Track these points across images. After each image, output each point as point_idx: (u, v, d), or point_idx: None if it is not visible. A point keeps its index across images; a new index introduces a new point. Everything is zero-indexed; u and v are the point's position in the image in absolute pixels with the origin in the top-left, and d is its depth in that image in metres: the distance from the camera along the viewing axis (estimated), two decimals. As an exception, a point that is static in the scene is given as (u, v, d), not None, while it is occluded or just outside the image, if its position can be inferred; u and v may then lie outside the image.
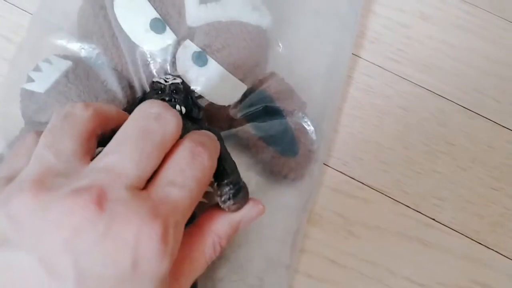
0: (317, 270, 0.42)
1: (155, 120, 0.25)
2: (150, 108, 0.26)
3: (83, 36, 0.41)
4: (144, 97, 0.38)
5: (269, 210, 0.41)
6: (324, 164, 0.44)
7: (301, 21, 0.47)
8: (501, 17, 0.51)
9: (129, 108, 0.39)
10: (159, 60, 0.39)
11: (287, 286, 0.41)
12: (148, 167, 0.24)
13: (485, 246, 0.44)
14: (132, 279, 0.22)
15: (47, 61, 0.39)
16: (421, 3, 0.51)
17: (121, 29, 0.39)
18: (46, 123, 0.38)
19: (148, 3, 0.39)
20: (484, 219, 0.44)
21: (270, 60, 0.44)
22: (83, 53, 0.41)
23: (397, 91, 0.47)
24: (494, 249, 0.44)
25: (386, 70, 0.48)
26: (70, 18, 0.42)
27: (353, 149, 0.45)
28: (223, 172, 0.30)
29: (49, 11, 0.44)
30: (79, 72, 0.39)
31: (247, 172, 0.41)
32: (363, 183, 0.44)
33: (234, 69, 0.40)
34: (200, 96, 0.39)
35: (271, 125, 0.40)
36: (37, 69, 0.39)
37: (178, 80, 0.37)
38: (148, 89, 0.39)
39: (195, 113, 0.36)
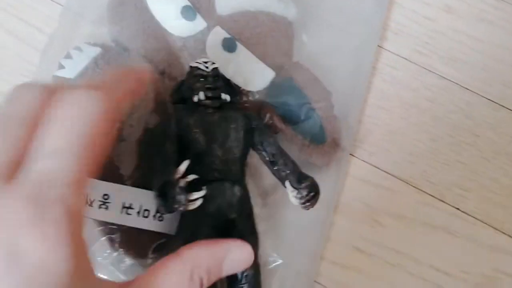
0: (343, 257, 0.42)
1: (4, 103, 0.22)
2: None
3: (113, 24, 0.42)
4: (183, 83, 0.38)
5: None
6: (350, 154, 0.44)
7: (326, 13, 0.47)
8: (525, 11, 0.51)
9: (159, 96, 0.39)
10: (189, 46, 0.39)
11: (313, 275, 0.41)
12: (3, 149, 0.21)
13: (509, 235, 0.44)
14: (8, 274, 0.18)
15: (78, 48, 0.40)
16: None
17: (152, 17, 0.39)
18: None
19: (179, -9, 0.39)
20: (508, 210, 0.44)
21: (294, 52, 0.44)
22: (112, 41, 0.42)
23: (423, 84, 0.47)
24: (519, 239, 0.44)
25: (412, 62, 0.48)
26: (99, 8, 0.43)
27: (379, 140, 0.45)
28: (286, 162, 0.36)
29: (78, 2, 0.44)
30: (108, 58, 0.40)
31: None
32: (389, 173, 0.44)
33: (262, 56, 0.40)
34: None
35: (299, 113, 0.41)
36: (68, 56, 0.40)
37: (217, 65, 0.36)
38: (175, 75, 0.39)
39: (236, 99, 0.36)
